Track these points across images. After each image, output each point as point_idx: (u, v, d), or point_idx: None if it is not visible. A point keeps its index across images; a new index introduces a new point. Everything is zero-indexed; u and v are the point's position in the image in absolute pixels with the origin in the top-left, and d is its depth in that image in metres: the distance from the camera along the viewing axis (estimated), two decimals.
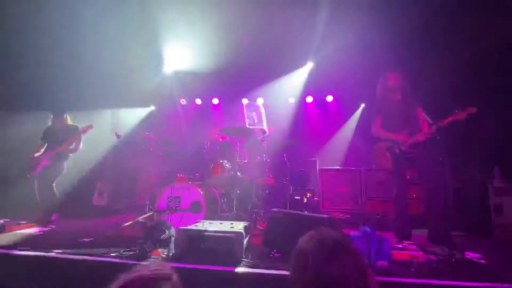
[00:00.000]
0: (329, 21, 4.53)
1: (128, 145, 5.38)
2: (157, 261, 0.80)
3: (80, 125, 4.02)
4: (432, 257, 2.36)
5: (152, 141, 4.10)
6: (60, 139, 3.93)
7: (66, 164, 4.05)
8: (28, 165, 3.91)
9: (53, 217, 3.77)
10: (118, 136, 4.71)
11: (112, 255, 2.23)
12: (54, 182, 3.92)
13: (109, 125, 6.39)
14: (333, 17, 4.44)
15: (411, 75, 3.19)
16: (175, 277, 0.76)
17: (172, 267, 0.79)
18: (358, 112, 6.36)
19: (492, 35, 4.08)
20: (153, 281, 0.71)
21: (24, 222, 3.53)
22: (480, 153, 4.46)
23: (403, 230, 2.89)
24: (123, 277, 0.72)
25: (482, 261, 2.26)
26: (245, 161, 4.29)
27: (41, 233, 3.13)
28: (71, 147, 3.95)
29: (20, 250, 2.27)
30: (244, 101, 6.85)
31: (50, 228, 3.46)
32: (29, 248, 2.32)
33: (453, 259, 2.21)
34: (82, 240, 2.81)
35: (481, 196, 4.09)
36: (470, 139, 4.45)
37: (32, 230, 3.25)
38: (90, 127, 3.98)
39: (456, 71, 4.48)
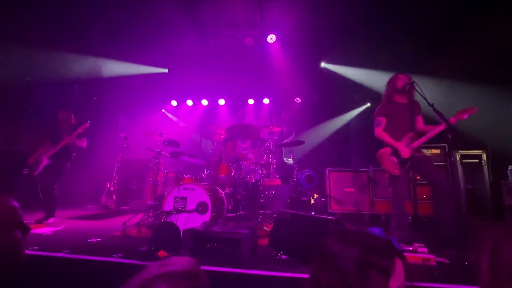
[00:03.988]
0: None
1: (136, 145, 5.44)
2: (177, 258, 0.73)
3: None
4: (444, 260, 2.29)
5: (159, 142, 4.11)
6: (63, 138, 3.92)
7: (68, 164, 4.03)
8: (30, 166, 3.91)
9: (50, 220, 3.77)
10: (125, 137, 4.75)
11: (119, 255, 2.24)
12: (55, 183, 3.91)
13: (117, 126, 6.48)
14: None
15: (418, 77, 3.14)
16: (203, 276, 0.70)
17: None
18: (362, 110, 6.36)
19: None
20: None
21: (33, 221, 3.59)
22: (493, 152, 4.35)
23: (403, 235, 2.82)
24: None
25: None
26: (251, 161, 4.27)
27: (50, 233, 3.18)
28: (74, 140, 3.91)
29: (29, 250, 2.29)
30: (250, 101, 6.88)
31: (58, 228, 3.50)
32: (38, 248, 2.34)
33: (466, 262, 2.14)
34: (90, 240, 2.83)
35: (495, 197, 3.98)
36: (481, 138, 4.36)
37: (41, 230, 3.29)
38: (86, 125, 3.95)
39: (466, 69, 4.43)
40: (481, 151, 4.36)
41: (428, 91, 2.79)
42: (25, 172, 4.89)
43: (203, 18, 5.01)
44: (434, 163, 3.01)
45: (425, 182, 3.81)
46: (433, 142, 2.99)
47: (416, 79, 2.96)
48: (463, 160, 4.37)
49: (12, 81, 4.72)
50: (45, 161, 3.85)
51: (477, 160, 4.35)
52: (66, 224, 3.74)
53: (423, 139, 2.89)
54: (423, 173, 3.05)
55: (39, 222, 3.65)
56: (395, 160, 2.97)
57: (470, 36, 4.26)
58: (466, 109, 2.72)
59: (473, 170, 4.33)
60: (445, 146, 4.43)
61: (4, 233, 0.91)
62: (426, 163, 2.93)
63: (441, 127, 2.75)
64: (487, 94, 4.43)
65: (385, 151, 3.07)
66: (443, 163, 4.41)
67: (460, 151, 4.37)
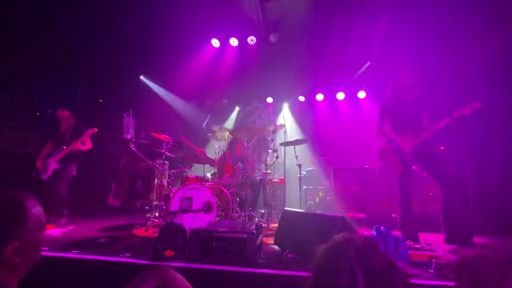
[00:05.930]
0: None
1: (141, 146, 5.48)
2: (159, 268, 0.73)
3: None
4: (452, 257, 2.27)
5: (163, 142, 4.14)
6: (67, 140, 3.90)
7: (75, 166, 4.02)
8: (38, 169, 3.87)
9: (62, 220, 3.77)
10: (130, 138, 4.79)
11: (127, 255, 2.27)
12: (66, 185, 3.90)
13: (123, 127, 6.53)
14: None
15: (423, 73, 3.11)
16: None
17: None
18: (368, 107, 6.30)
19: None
20: None
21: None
22: (502, 147, 4.28)
23: (410, 233, 2.80)
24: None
25: None
26: (256, 160, 4.28)
27: (59, 234, 3.22)
28: (80, 146, 3.89)
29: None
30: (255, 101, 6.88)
31: (67, 229, 3.55)
32: (47, 248, 2.38)
33: None
34: (98, 240, 2.87)
35: (504, 193, 3.92)
36: (490, 133, 4.29)
37: (50, 231, 3.34)
38: (94, 130, 3.96)
39: (476, 64, 4.36)
40: (488, 147, 4.29)
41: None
42: (33, 175, 4.96)
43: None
44: (440, 160, 2.96)
45: (432, 178, 3.78)
46: (439, 138, 2.94)
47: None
48: (471, 155, 4.30)
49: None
50: (53, 165, 3.84)
51: (483, 157, 4.28)
52: (73, 225, 3.79)
53: (427, 133, 2.85)
54: (430, 169, 3.02)
55: (51, 224, 3.66)
56: (397, 156, 2.94)
57: None
58: (469, 104, 2.69)
59: (480, 166, 4.26)
60: (450, 142, 4.37)
61: (40, 232, 0.95)
62: (432, 159, 2.90)
63: (444, 122, 2.74)
64: (497, 88, 4.35)
65: (387, 147, 3.05)
66: (449, 159, 4.35)
67: (466, 147, 4.30)
